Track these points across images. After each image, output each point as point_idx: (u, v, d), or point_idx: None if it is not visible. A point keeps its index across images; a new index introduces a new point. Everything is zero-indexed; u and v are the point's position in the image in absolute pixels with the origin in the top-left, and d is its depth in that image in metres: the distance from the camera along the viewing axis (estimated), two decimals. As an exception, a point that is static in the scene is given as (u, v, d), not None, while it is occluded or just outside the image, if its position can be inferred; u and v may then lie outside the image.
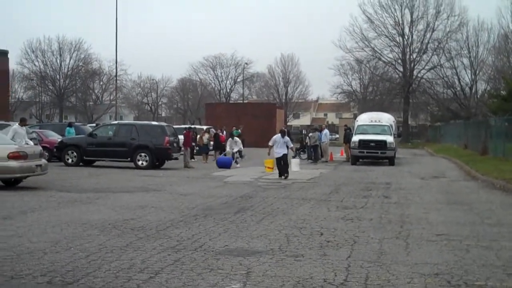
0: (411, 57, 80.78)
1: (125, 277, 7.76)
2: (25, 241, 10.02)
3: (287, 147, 25.11)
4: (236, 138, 34.16)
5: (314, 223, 12.66)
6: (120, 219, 12.56)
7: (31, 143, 21.86)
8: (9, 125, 22.30)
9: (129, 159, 28.40)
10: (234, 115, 62.93)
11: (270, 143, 24.93)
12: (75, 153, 28.81)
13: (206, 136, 36.08)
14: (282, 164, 24.33)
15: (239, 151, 33.91)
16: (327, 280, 7.74)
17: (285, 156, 24.38)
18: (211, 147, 36.32)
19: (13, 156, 17.46)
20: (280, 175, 24.17)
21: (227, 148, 33.40)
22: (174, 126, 36.05)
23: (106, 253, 9.18)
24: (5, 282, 7.41)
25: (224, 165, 30.31)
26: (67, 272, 7.97)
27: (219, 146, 36.74)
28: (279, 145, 24.43)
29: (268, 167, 26.88)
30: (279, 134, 25.04)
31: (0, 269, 8.05)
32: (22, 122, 22.34)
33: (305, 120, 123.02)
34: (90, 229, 11.32)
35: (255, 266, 8.49)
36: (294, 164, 27.60)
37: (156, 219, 12.75)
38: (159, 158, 28.99)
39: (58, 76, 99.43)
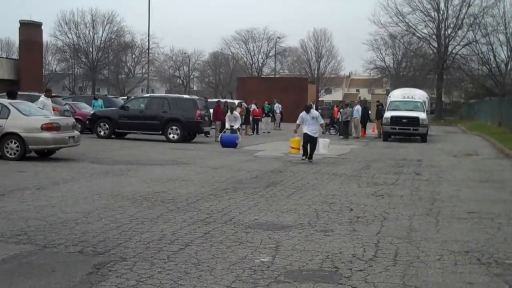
0: (446, 32, 79.55)
1: (156, 248, 7.84)
2: (57, 211, 10.16)
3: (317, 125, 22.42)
4: (236, 113, 29.55)
5: (344, 198, 12.63)
6: (151, 192, 12.66)
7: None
8: (41, 96, 22.47)
9: (160, 132, 28.53)
10: (266, 89, 62.81)
11: (298, 122, 21.39)
12: (107, 126, 29.03)
13: (238, 110, 35.93)
14: (309, 145, 21.11)
15: (238, 129, 29.92)
16: (356, 255, 7.74)
17: (313, 139, 20.97)
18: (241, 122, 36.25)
19: (47, 128, 17.65)
20: (303, 155, 21.04)
21: (226, 125, 28.82)
22: (208, 100, 36.01)
23: (137, 225, 9.27)
24: (38, 251, 7.53)
25: (228, 143, 26.60)
26: (98, 242, 8.07)
27: (249, 121, 36.81)
28: (308, 122, 20.95)
29: (293, 147, 22.59)
30: (304, 111, 21.27)
31: (33, 238, 8.19)
32: (48, 93, 22.53)
33: (337, 95, 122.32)
34: (121, 200, 11.44)
35: (284, 240, 8.51)
36: (323, 146, 23.01)
37: (186, 192, 12.83)
38: (190, 131, 29.09)
39: (91, 49, 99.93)
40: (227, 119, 28.99)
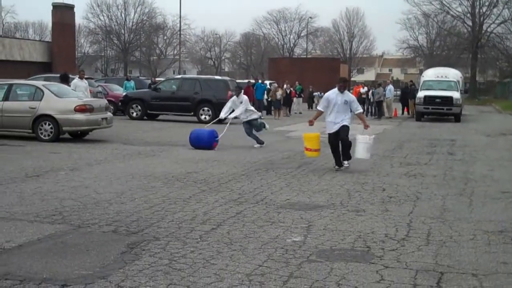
0: (481, 10, 78.23)
1: (188, 228, 7.89)
2: (91, 191, 10.27)
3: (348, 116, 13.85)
4: (243, 98, 18.88)
5: (377, 179, 12.57)
6: (183, 172, 12.73)
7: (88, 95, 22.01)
8: (74, 78, 22.67)
9: (192, 113, 28.63)
10: (297, 70, 62.57)
11: (319, 107, 14.08)
12: (139, 107, 29.22)
13: (279, 91, 35.69)
14: (340, 147, 13.73)
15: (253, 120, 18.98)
16: (389, 235, 7.71)
17: (344, 130, 13.52)
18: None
19: (80, 109, 17.82)
20: (336, 163, 13.79)
21: (222, 113, 19.09)
22: (237, 81, 36.00)
23: (169, 205, 9.34)
24: (73, 231, 7.63)
25: (200, 143, 17.47)
26: (131, 222, 8.15)
27: (288, 102, 36.77)
28: (337, 108, 13.54)
29: (309, 149, 14.10)
30: (335, 90, 13.71)
31: (68, 218, 8.30)
32: (81, 74, 22.71)
33: (369, 75, 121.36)
34: (154, 181, 11.53)
35: (316, 220, 8.51)
36: (362, 149, 13.93)
37: (218, 172, 12.88)
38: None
39: (122, 31, 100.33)
40: (229, 104, 19.06)
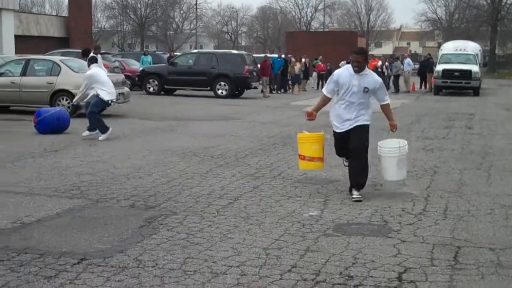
0: (500, -18, 77.15)
1: (205, 202, 7.92)
2: (109, 166, 10.33)
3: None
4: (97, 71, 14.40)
5: (394, 153, 12.50)
6: (200, 147, 12.75)
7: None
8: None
9: (208, 88, 28.60)
10: (314, 44, 62.14)
11: (324, 91, 8.68)
12: (156, 82, 29.23)
13: (298, 65, 35.37)
14: (354, 158, 8.52)
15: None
16: (405, 210, 7.69)
17: (360, 135, 8.47)
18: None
19: (97, 84, 17.82)
20: (353, 188, 8.44)
21: (78, 94, 14.80)
22: (254, 55, 35.87)
23: (186, 179, 9.38)
24: (91, 205, 7.70)
25: (49, 125, 14.44)
26: (149, 196, 8.20)
27: (307, 76, 36.67)
28: (349, 97, 8.36)
29: (305, 157, 8.70)
30: (349, 67, 8.43)
31: (86, 193, 8.36)
32: (97, 50, 22.71)
33: (387, 49, 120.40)
34: (171, 156, 11.56)
35: (333, 194, 8.51)
36: (392, 164, 8.59)
37: (235, 147, 12.89)
38: (238, 87, 29.08)
39: (139, 5, 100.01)
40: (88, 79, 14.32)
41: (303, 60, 37.69)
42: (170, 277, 5.22)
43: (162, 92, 29.22)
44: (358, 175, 8.30)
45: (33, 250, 5.85)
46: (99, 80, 14.11)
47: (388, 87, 36.31)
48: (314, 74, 41.05)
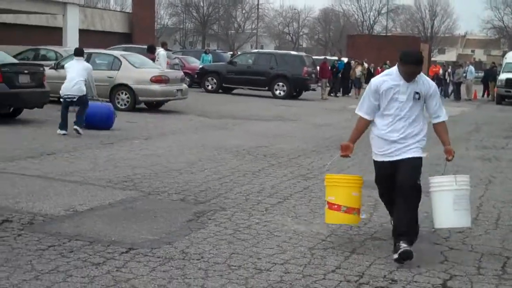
0: None
1: (255, 200, 7.97)
2: (163, 160, 10.49)
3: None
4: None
5: (450, 162, 12.31)
6: (254, 146, 12.82)
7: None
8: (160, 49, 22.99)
9: (266, 88, 28.68)
10: (376, 48, 61.61)
11: (359, 112, 6.45)
12: (215, 80, 29.45)
13: (359, 68, 34.97)
14: (397, 201, 6.06)
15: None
16: (456, 218, 7.58)
17: (412, 167, 6.10)
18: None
19: (156, 80, 18.13)
20: (399, 240, 5.76)
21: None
22: (314, 57, 35.78)
23: (238, 177, 9.45)
24: (143, 197, 7.84)
25: (95, 120, 14.00)
26: (200, 192, 8.29)
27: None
28: (396, 109, 6.06)
29: (336, 206, 6.12)
30: (394, 71, 6.09)
31: (139, 185, 8.51)
32: (164, 46, 23.13)
33: (450, 55, 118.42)
34: (225, 153, 11.66)
35: (383, 199, 8.44)
36: (449, 207, 5.91)
37: (289, 147, 12.91)
38: (296, 88, 29.07)
39: (201, 3, 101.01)
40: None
41: (365, 64, 37.33)
42: (214, 270, 5.28)
43: (220, 90, 29.43)
44: (408, 221, 5.87)
45: (83, 237, 6.00)
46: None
47: (449, 94, 35.81)
48: None
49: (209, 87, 29.47)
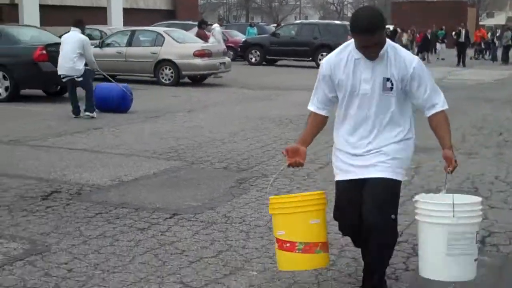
0: None
1: (296, 166, 8.05)
2: (206, 131, 10.65)
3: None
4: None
5: (494, 123, 12.23)
6: (297, 114, 12.84)
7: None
8: (195, 25, 23.20)
9: (310, 58, 28.56)
10: (421, 14, 60.67)
11: (312, 106, 4.44)
12: (258, 52, 29.46)
13: (405, 36, 34.10)
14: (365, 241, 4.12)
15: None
16: (499, 178, 7.57)
17: (382, 192, 3.97)
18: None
19: (198, 54, 18.30)
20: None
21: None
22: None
23: (280, 145, 9.53)
24: (186, 167, 8.01)
25: (103, 102, 12.91)
26: (242, 160, 8.43)
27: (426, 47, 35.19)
28: (358, 104, 4.07)
29: (294, 245, 3.99)
30: (350, 47, 4.02)
31: (182, 155, 8.69)
32: (220, 22, 23.37)
33: (499, 19, 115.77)
34: (267, 122, 11.77)
35: (425, 162, 8.44)
36: (435, 243, 3.80)
37: (332, 116, 12.90)
38: (340, 57, 28.84)
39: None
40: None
41: (409, 32, 36.60)
42: (255, 232, 5.43)
43: (264, 63, 29.43)
44: (376, 266, 4.15)
45: (129, 205, 6.20)
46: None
47: (496, 58, 35.14)
48: (438, 45, 38.87)
49: (253, 60, 29.49)
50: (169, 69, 18.37)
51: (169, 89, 17.38)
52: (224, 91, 17.42)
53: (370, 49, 3.87)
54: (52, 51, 14.18)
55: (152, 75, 18.61)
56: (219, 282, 4.44)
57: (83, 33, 12.18)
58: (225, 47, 21.39)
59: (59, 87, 15.16)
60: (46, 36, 15.50)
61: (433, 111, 4.19)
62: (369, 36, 3.78)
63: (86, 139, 9.87)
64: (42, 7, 29.92)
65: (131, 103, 13.14)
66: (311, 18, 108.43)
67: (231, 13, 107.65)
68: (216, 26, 22.16)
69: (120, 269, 4.60)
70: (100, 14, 34.81)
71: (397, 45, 4.07)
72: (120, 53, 19.00)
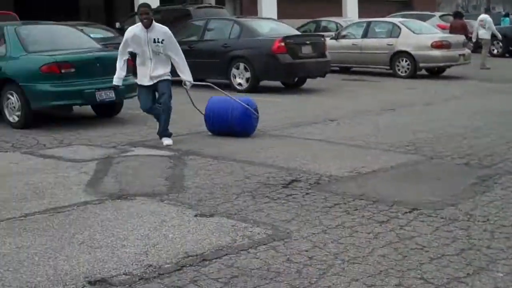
0: None
1: (545, 165, 7.51)
2: (445, 125, 10.29)
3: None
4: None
5: None
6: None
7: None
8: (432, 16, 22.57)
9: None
10: None
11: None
12: (500, 44, 27.83)
13: None
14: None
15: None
16: None
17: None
18: None
19: (436, 45, 17.74)
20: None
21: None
22: None
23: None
24: (425, 161, 7.80)
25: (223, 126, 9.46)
26: (485, 156, 8.01)
27: None
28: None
29: None
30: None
31: (420, 149, 8.47)
32: (488, 13, 22.58)
33: None
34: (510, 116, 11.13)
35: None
36: None
37: None
38: None
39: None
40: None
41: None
42: (500, 232, 5.12)
43: (507, 55, 27.82)
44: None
45: (367, 197, 6.16)
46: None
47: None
48: None
49: (494, 51, 27.98)
50: (406, 61, 18.03)
51: (404, 82, 17.08)
52: (464, 84, 16.73)
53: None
54: (290, 43, 14.59)
55: (388, 67, 18.41)
56: (462, 281, 4.25)
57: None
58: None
59: (296, 78, 15.55)
60: (284, 29, 15.97)
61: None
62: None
63: (322, 130, 10.01)
64: (279, 0, 30.87)
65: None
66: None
67: (470, 2, 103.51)
68: (486, 17, 21.70)
69: (360, 260, 4.58)
70: (335, 6, 35.22)
71: None
72: (355, 44, 19.04)
